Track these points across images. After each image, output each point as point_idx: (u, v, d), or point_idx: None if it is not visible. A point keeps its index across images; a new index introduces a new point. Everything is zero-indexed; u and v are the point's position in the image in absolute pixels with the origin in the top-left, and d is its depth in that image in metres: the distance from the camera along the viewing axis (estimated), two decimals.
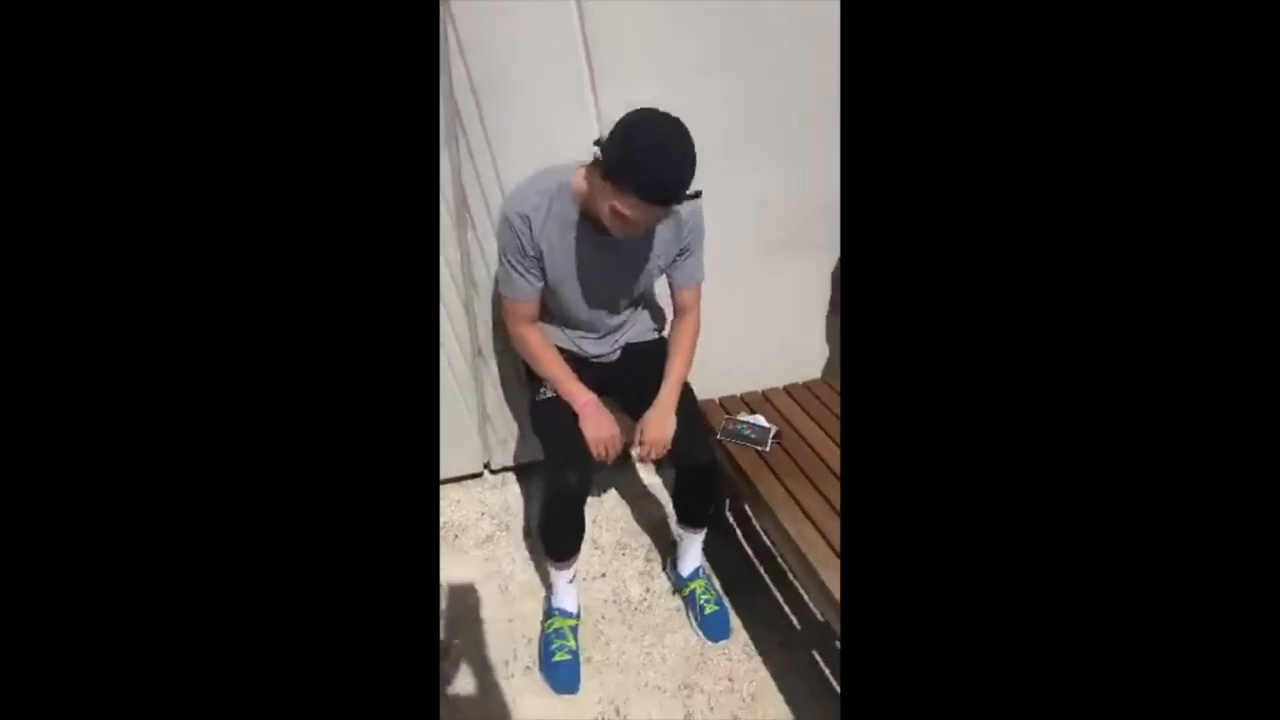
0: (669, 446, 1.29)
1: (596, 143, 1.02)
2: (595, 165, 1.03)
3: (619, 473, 1.89)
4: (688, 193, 1.00)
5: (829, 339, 1.90)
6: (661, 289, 1.36)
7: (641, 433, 1.29)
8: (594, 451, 1.26)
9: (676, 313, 1.33)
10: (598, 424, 1.25)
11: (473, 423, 1.72)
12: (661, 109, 0.99)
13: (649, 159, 0.96)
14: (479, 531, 1.72)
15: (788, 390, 1.63)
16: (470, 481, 1.85)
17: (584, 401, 1.26)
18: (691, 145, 0.98)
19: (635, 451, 1.31)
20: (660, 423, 1.28)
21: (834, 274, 1.79)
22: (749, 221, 1.60)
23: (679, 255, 1.24)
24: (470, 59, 1.24)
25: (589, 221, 1.14)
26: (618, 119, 0.99)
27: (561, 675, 1.35)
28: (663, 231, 1.20)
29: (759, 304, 1.74)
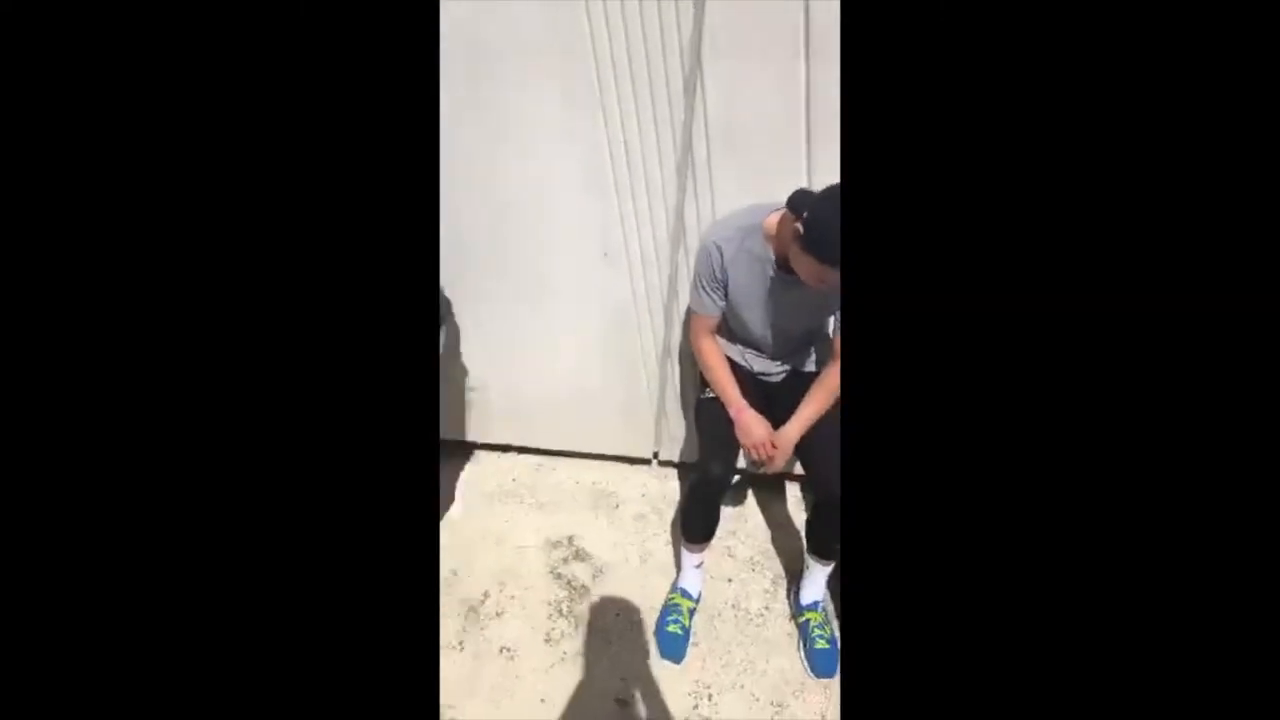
0: (775, 460, 1.40)
1: (790, 201, 1.18)
2: (787, 220, 1.19)
3: (770, 499, 1.99)
4: None
5: None
6: None
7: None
8: (747, 455, 1.42)
9: (832, 354, 1.42)
10: (749, 429, 1.40)
11: (650, 413, 1.97)
12: None
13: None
14: (635, 508, 1.95)
15: None
16: (639, 465, 2.10)
17: (739, 408, 1.41)
18: None
19: (749, 456, 1.43)
20: (782, 436, 1.39)
21: None
22: None
23: None
24: (710, 107, 1.49)
25: (777, 259, 1.30)
26: (822, 187, 1.15)
27: (671, 644, 1.52)
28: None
29: None
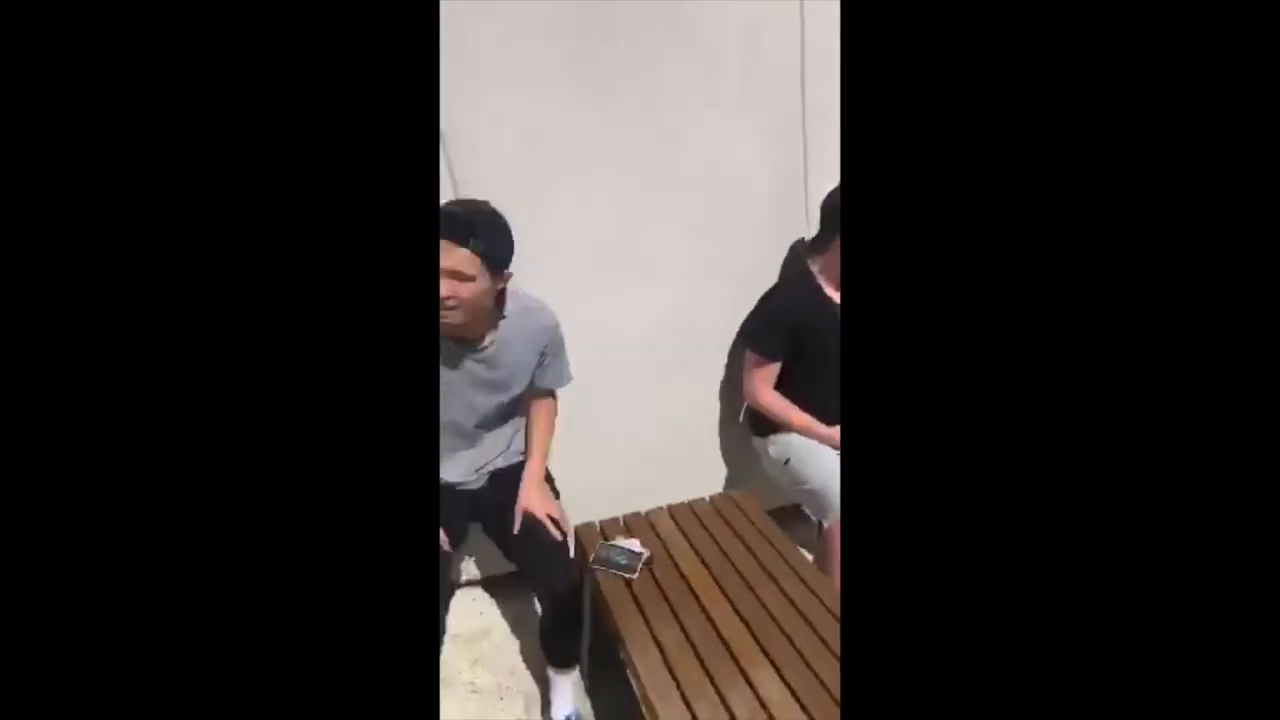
0: (548, 515, 1.32)
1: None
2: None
3: (509, 605, 1.78)
4: None
5: (725, 454, 1.87)
6: None
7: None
8: None
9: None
10: None
11: None
12: None
13: None
14: None
15: (670, 510, 1.58)
16: None
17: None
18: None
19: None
20: (530, 493, 1.33)
21: (721, 388, 1.80)
22: (639, 337, 1.64)
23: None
24: None
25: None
26: None
27: None
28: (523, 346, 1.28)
29: (644, 423, 1.73)
